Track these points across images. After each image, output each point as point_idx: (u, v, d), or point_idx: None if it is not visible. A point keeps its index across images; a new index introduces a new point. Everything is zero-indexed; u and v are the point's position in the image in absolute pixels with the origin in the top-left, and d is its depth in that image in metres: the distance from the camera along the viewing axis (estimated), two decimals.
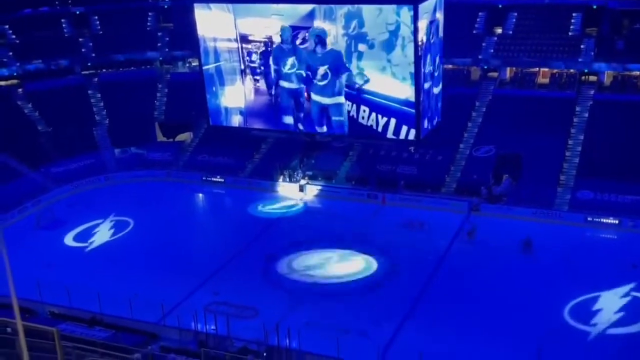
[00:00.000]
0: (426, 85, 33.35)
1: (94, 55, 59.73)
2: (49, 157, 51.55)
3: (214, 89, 37.15)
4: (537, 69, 51.40)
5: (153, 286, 34.49)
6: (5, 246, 38.39)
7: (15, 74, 57.11)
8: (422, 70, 32.33)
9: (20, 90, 56.79)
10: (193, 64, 58.12)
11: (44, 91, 56.14)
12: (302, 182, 48.19)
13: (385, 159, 48.34)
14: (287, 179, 48.94)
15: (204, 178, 51.06)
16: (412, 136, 32.90)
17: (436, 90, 35.72)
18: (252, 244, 40.16)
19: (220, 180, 50.60)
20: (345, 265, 37.06)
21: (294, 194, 47.59)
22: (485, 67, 52.47)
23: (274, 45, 34.07)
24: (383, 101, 32.92)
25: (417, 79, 31.83)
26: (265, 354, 27.45)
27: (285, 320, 30.22)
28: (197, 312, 30.14)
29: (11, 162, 49.52)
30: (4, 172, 48.14)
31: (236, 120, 38.05)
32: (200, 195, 50.14)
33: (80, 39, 60.23)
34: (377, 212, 44.31)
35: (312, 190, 47.59)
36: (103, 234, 42.42)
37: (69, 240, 41.85)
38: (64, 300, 31.93)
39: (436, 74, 35.20)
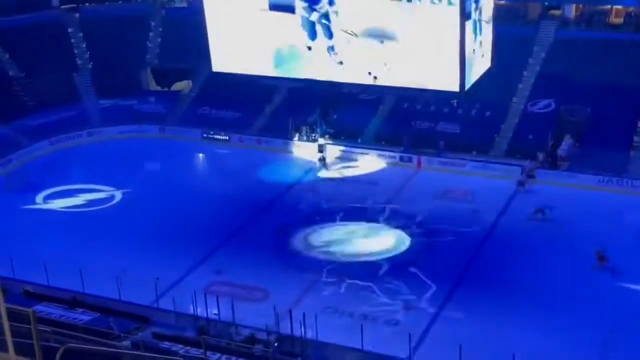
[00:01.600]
0: (472, 25, 32.92)
1: None
2: (21, 108, 51.86)
3: (217, 26, 36.94)
4: (609, 6, 50.53)
5: (145, 262, 34.89)
6: None
7: None
8: (469, 7, 31.89)
9: None
10: None
11: (15, 29, 56.14)
12: (322, 141, 48.16)
13: (422, 115, 48.10)
14: (304, 138, 48.93)
15: (204, 135, 51.22)
16: (455, 87, 32.57)
17: (486, 31, 35.25)
18: (262, 214, 40.41)
19: (224, 137, 50.73)
20: (373, 241, 37.23)
21: (311, 155, 47.64)
22: (546, 3, 51.70)
23: None
24: None
25: (462, 17, 31.42)
26: (276, 344, 27.78)
27: (299, 304, 30.52)
28: (196, 293, 30.49)
29: None
30: None
31: (244, 66, 37.88)
32: (200, 155, 50.38)
33: None
34: (411, 178, 44.29)
35: (334, 151, 47.59)
36: (85, 199, 42.88)
37: (44, 206, 42.38)
38: (40, 277, 32.45)
39: (486, 11, 34.73)
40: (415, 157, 45.75)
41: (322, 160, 45.51)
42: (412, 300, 31.66)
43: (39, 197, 43.17)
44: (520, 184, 41.60)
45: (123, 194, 43.39)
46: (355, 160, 46.51)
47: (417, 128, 47.70)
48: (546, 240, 36.29)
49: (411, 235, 37.24)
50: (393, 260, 35.09)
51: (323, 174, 45.50)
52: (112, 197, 43.10)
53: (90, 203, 42.52)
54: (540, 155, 43.61)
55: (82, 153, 49.36)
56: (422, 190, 42.38)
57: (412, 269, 34.11)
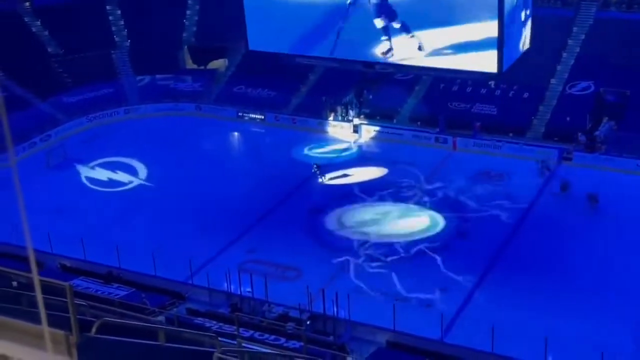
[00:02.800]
0: (512, 5, 32.58)
1: None
2: (60, 85, 52.42)
3: (254, 5, 36.93)
4: None
5: (180, 239, 35.22)
6: (12, 186, 39.62)
7: None
8: None
9: (27, 4, 57.49)
10: None
11: (55, 6, 56.62)
12: (357, 121, 48.00)
13: (458, 96, 47.71)
14: (339, 118, 48.80)
15: (240, 114, 51.31)
16: (492, 68, 32.30)
17: (524, 11, 34.88)
18: (295, 194, 40.46)
19: (259, 116, 50.77)
20: (406, 221, 37.14)
21: (346, 135, 47.55)
22: None
23: None
24: None
25: None
26: (308, 322, 27.91)
27: (332, 284, 30.59)
28: (230, 271, 30.71)
29: (17, 90, 50.56)
30: (8, 101, 49.13)
31: (280, 45, 37.87)
32: (236, 134, 50.48)
33: None
34: (446, 159, 44.02)
35: (369, 132, 47.44)
36: (122, 176, 43.28)
37: (82, 182, 42.85)
38: (77, 251, 32.91)
39: None
40: (450, 139, 45.43)
41: (317, 169, 42.15)
42: (446, 281, 31.55)
43: (77, 173, 43.60)
44: (545, 168, 40.97)
45: (158, 171, 43.70)
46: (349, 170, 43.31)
47: (453, 109, 47.31)
48: (581, 223, 35.92)
49: (445, 216, 37.05)
50: (427, 241, 34.96)
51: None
52: (148, 174, 43.44)
53: (126, 179, 42.91)
54: (581, 138, 42.84)
55: (119, 130, 49.73)
56: (457, 172, 42.08)
57: (446, 250, 33.99)
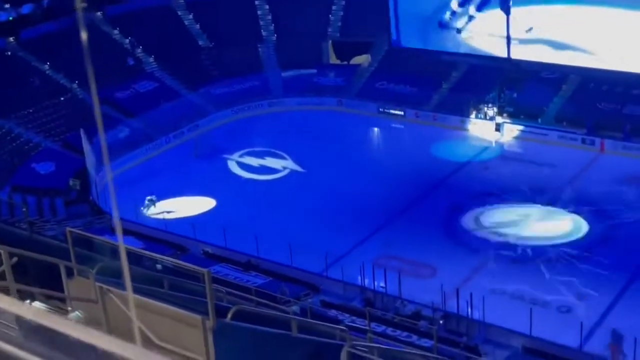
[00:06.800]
0: None
1: None
2: (209, 77, 54.26)
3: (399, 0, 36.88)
4: None
5: (316, 231, 35.76)
6: (161, 174, 41.33)
7: None
8: None
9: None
10: None
11: (206, 1, 58.67)
12: (500, 119, 47.06)
13: (608, 96, 45.80)
14: (481, 116, 48.00)
15: (380, 109, 51.37)
16: None
17: None
18: (434, 191, 40.18)
19: (399, 112, 50.65)
20: (547, 225, 36.09)
21: (488, 133, 46.72)
22: None
23: None
24: None
25: None
26: (441, 322, 27.69)
27: (467, 284, 30.18)
28: (364, 265, 30.89)
29: (168, 81, 52.85)
30: (160, 91, 51.58)
31: (423, 41, 37.73)
32: (376, 129, 50.63)
33: None
34: (593, 162, 42.43)
35: (512, 131, 46.42)
36: (263, 168, 44.35)
37: (225, 172, 44.24)
38: (219, 239, 34.07)
39: None
40: (598, 140, 43.72)
41: (152, 201, 39.20)
42: (587, 288, 30.44)
43: (221, 163, 45.00)
44: None
45: (298, 164, 44.49)
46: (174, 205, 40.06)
47: (602, 110, 45.49)
48: None
49: (589, 221, 35.73)
50: (569, 245, 33.87)
51: (150, 211, 39.21)
52: (287, 167, 44.31)
53: (267, 171, 43.96)
54: None
55: (262, 123, 50.94)
56: (605, 175, 40.49)
57: (589, 256, 32.79)
